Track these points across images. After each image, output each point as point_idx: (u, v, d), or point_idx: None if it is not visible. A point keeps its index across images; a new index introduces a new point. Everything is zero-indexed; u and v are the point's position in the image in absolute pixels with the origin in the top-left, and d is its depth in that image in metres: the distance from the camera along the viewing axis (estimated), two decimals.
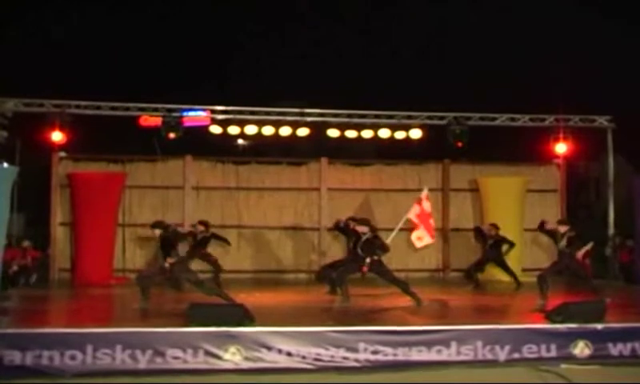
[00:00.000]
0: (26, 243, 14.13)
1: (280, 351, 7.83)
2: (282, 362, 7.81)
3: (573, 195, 17.61)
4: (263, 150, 19.90)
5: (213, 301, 9.58)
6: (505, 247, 13.47)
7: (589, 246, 10.80)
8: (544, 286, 10.51)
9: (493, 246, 13.43)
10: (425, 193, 12.83)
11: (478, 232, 14.27)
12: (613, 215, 15.84)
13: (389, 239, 11.64)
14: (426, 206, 12.71)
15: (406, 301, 10.79)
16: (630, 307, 10.47)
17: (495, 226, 13.50)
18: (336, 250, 15.50)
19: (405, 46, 25.91)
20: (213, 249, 13.37)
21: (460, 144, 15.30)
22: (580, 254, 10.62)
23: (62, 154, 15.30)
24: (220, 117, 15.27)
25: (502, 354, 8.10)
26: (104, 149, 15.77)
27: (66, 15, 23.47)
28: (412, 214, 12.63)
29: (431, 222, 12.85)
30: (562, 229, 10.77)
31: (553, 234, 10.97)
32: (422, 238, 12.79)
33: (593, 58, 23.02)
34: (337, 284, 11.14)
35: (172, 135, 14.56)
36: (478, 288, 13.26)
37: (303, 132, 15.46)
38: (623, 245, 15.44)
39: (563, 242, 10.65)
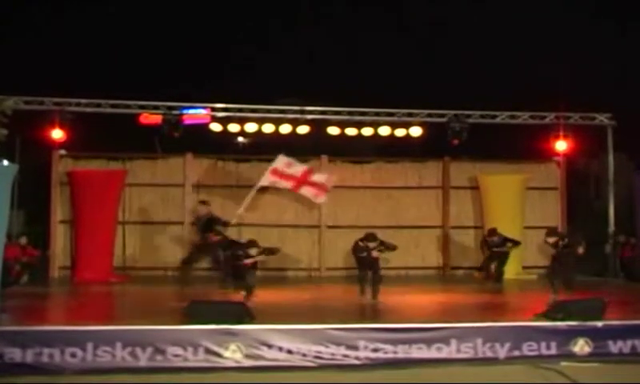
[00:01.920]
0: (23, 241, 14.07)
1: (280, 349, 7.84)
2: (283, 359, 7.82)
3: (573, 193, 17.59)
4: (263, 148, 19.85)
5: (213, 298, 9.60)
6: (509, 245, 13.44)
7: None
8: (554, 281, 10.56)
9: (499, 246, 13.40)
10: (284, 160, 12.85)
11: (484, 243, 14.09)
12: (613, 213, 15.84)
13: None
14: (295, 170, 12.74)
15: (406, 299, 10.82)
16: (629, 305, 10.47)
17: (494, 231, 13.43)
18: (337, 247, 15.52)
19: (405, 44, 25.90)
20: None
21: (456, 141, 15.28)
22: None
23: (62, 151, 15.29)
24: (220, 114, 15.27)
25: (502, 352, 8.10)
26: (104, 146, 15.76)
27: (67, 13, 23.46)
28: (265, 181, 12.77)
29: (314, 179, 12.79)
30: (551, 240, 10.85)
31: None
32: (318, 194, 12.85)
33: (593, 55, 23.00)
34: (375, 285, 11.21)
35: (176, 134, 14.68)
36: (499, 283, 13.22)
37: (303, 130, 15.46)
38: (627, 242, 15.36)
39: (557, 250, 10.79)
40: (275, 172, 12.83)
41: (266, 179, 12.84)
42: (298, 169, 12.91)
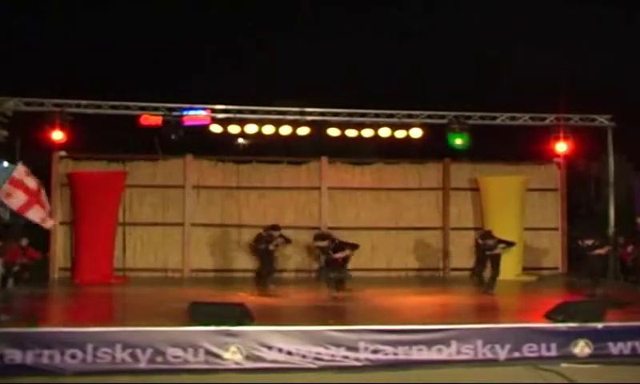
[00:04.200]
0: (24, 242, 14.06)
1: (280, 350, 7.85)
2: (283, 360, 7.83)
3: (573, 194, 17.59)
4: (263, 149, 19.86)
5: (213, 300, 9.59)
6: (501, 246, 13.31)
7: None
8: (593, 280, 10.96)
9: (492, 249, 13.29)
10: (23, 168, 12.15)
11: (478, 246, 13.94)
12: (613, 214, 15.83)
13: None
14: (31, 182, 12.04)
15: (406, 301, 10.80)
16: (629, 306, 10.46)
17: (489, 233, 13.27)
18: None
19: (405, 45, 25.89)
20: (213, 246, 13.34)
21: (459, 141, 15.25)
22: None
23: (63, 153, 15.30)
24: (220, 116, 15.26)
25: (503, 353, 8.11)
26: (104, 148, 15.76)
27: (66, 14, 23.47)
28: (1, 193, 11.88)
29: (43, 199, 12.25)
30: (588, 243, 11.78)
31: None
32: (45, 219, 12.37)
33: (593, 56, 22.99)
34: None
35: (174, 137, 14.65)
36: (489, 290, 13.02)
37: (303, 131, 15.44)
38: (627, 244, 15.34)
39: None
40: (14, 181, 11.96)
41: (2, 190, 11.94)
42: (34, 182, 12.24)
